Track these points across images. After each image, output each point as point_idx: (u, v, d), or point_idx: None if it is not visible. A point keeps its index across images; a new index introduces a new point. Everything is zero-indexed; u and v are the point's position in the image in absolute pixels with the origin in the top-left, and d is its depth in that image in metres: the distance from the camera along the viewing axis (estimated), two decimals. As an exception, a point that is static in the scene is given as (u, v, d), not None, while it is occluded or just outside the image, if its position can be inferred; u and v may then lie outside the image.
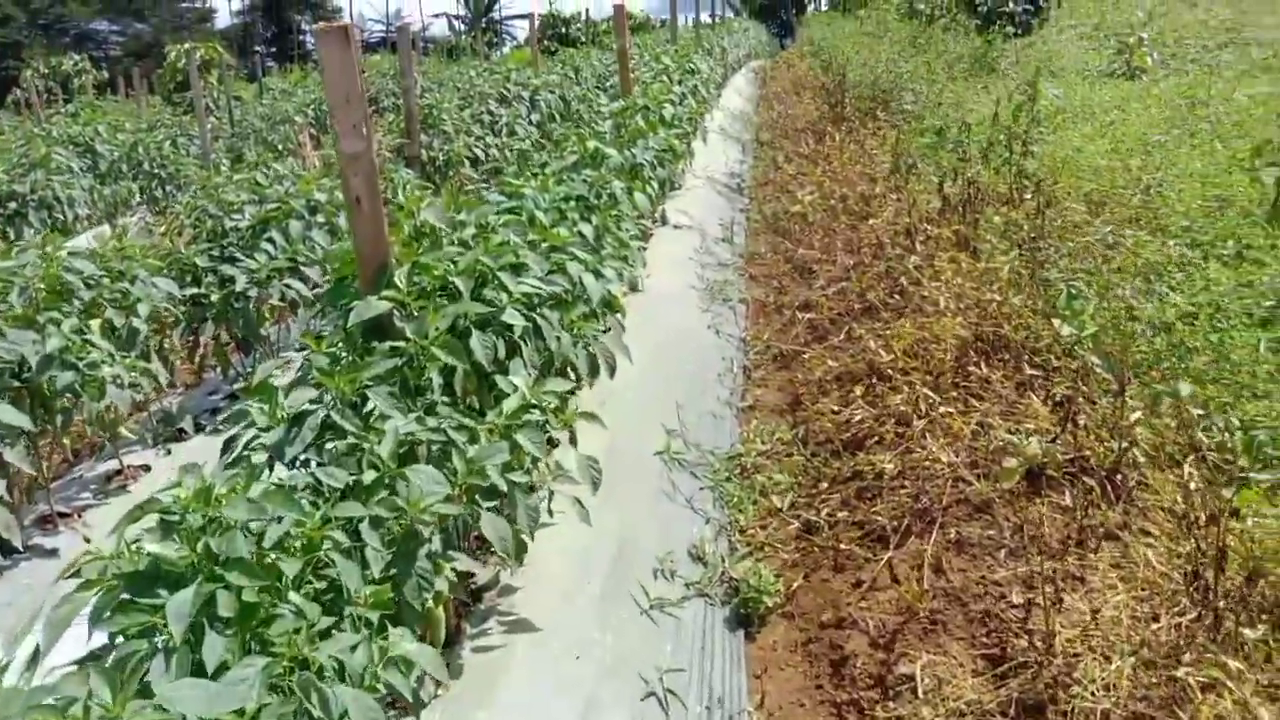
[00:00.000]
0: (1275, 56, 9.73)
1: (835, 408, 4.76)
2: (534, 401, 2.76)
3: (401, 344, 2.54)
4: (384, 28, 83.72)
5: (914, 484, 3.72)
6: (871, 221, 6.99)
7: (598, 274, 3.77)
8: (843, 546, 3.55)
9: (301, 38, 71.76)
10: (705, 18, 23.45)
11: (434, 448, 2.39)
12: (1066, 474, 3.50)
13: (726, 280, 7.20)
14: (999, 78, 10.69)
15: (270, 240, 5.10)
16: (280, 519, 1.86)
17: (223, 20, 72.65)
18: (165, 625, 1.61)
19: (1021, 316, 4.50)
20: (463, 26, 69.46)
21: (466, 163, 8.25)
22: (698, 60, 11.22)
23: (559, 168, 4.88)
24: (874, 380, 4.75)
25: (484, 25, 66.88)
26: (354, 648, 1.77)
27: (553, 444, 3.47)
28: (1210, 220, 4.74)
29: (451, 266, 2.75)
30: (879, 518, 3.59)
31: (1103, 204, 5.75)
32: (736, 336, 6.29)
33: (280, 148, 13.01)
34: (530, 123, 10.79)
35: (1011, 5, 11.93)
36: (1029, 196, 5.89)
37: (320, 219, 5.65)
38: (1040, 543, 3.16)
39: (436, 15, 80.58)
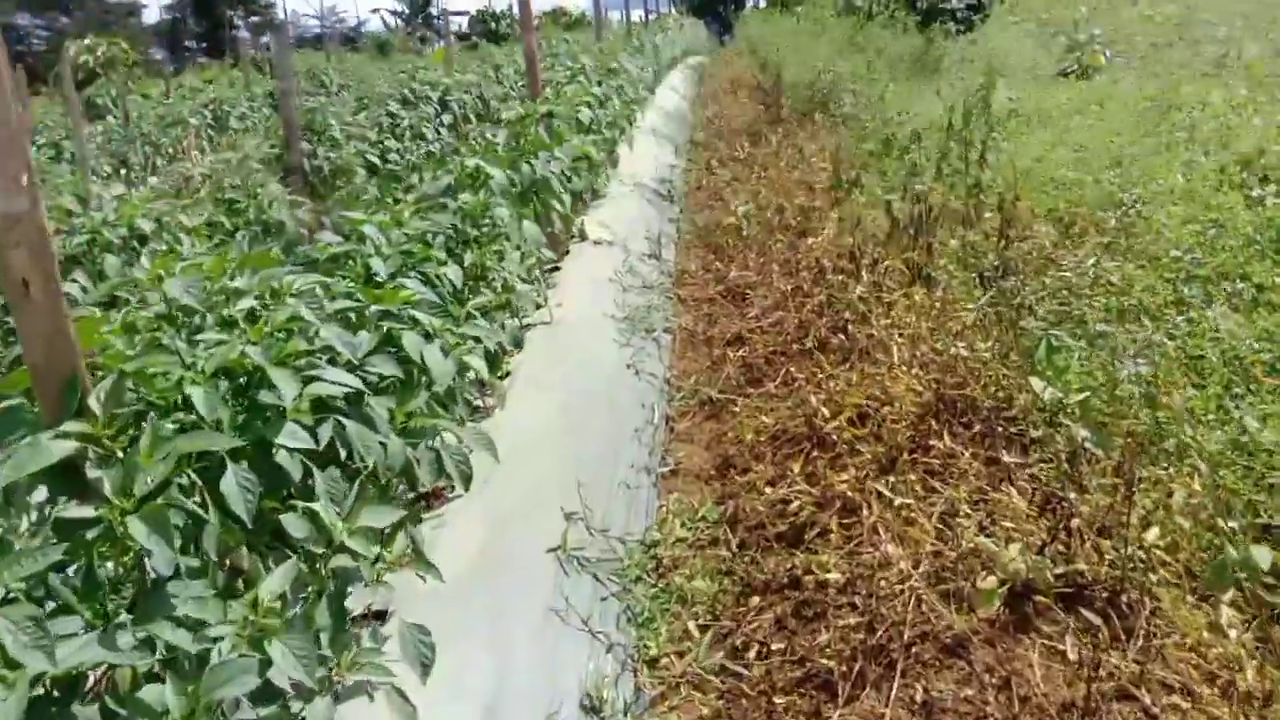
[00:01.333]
0: (1230, 55, 9.20)
1: (770, 479, 3.95)
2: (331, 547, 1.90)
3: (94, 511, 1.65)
4: (319, 23, 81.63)
5: (865, 602, 2.92)
6: (811, 240, 6.22)
7: (462, 339, 2.90)
8: (778, 699, 2.73)
9: (234, 33, 69.38)
10: (639, 15, 22.65)
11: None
12: (1060, 596, 2.73)
13: (651, 305, 6.37)
14: (943, 78, 10.03)
15: (74, 283, 4.13)
16: None
17: (153, 15, 70.17)
18: None
19: (991, 372, 3.73)
20: (399, 22, 67.83)
21: (360, 171, 7.29)
22: (625, 59, 10.37)
23: (427, 193, 3.99)
24: (815, 447, 3.94)
25: (421, 20, 65.39)
26: None
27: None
28: (1206, 248, 4.05)
29: (188, 374, 1.86)
30: (823, 658, 2.78)
31: (1072, 224, 5.04)
32: (660, 377, 5.46)
33: (172, 152, 11.87)
34: (442, 125, 9.84)
35: (953, 2, 11.31)
36: (988, 215, 5.15)
37: (153, 249, 4.68)
38: (1036, 711, 2.37)
39: (373, 10, 78.32)
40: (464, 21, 27.80)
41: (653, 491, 4.26)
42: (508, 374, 4.66)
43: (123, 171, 11.50)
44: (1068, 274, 3.99)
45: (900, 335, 4.44)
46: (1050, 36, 11.35)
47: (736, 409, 4.82)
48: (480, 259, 3.66)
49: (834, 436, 3.87)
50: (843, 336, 4.78)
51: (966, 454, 3.45)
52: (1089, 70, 8.74)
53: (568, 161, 5.84)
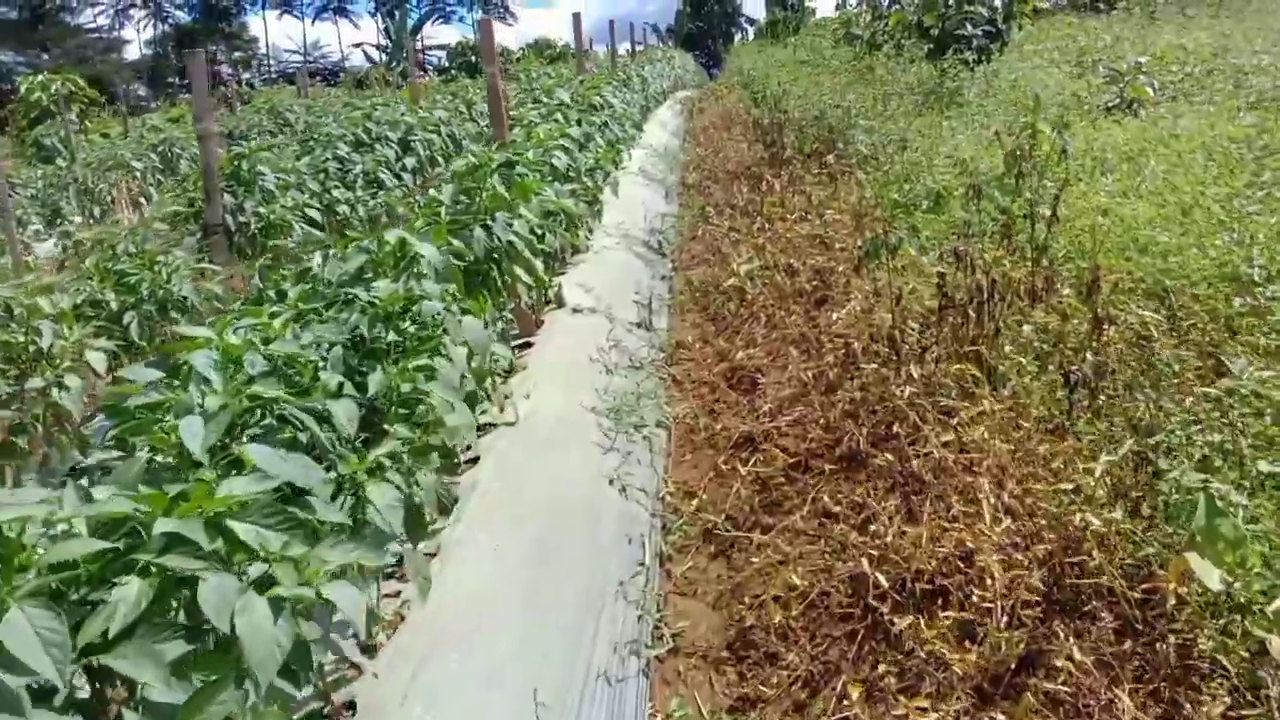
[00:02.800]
0: (1282, 87, 8.22)
1: (806, 681, 2.82)
2: None
3: None
4: (301, 58, 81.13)
5: None
6: (834, 315, 5.12)
7: (312, 581, 1.78)
8: None
9: (217, 68, 68.73)
10: (625, 47, 21.76)
11: None
12: None
13: (640, 392, 5.25)
14: (965, 112, 9.02)
15: None
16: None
17: (136, 51, 69.77)
18: None
19: (1119, 541, 2.62)
20: (383, 57, 67.53)
21: (298, 228, 6.19)
22: (609, 93, 9.34)
23: (333, 279, 2.88)
24: (870, 636, 2.82)
25: (404, 55, 64.86)
26: None
27: None
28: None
29: None
30: None
31: (1175, 305, 3.96)
32: (652, 492, 4.33)
33: (109, 200, 10.76)
34: (404, 169, 8.77)
35: (969, 29, 10.34)
36: (1064, 291, 4.07)
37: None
38: None
39: (356, 45, 77.72)
40: (442, 55, 26.86)
41: (642, 684, 3.11)
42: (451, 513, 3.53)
43: (58, 222, 10.38)
44: (1209, 388, 2.88)
45: (969, 460, 3.32)
46: (1079, 66, 10.38)
47: (751, 544, 3.70)
48: (395, 381, 2.54)
49: (897, 624, 2.74)
50: (889, 455, 3.66)
51: (1105, 679, 2.32)
52: (1134, 104, 7.74)
53: (537, 219, 4.76)
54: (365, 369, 2.59)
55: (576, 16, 9.73)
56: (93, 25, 68.24)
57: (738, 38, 57.39)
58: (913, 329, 4.41)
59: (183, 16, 72.87)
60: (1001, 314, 4.01)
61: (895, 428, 3.80)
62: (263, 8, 77.90)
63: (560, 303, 6.18)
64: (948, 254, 4.28)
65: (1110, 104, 8.02)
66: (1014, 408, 3.55)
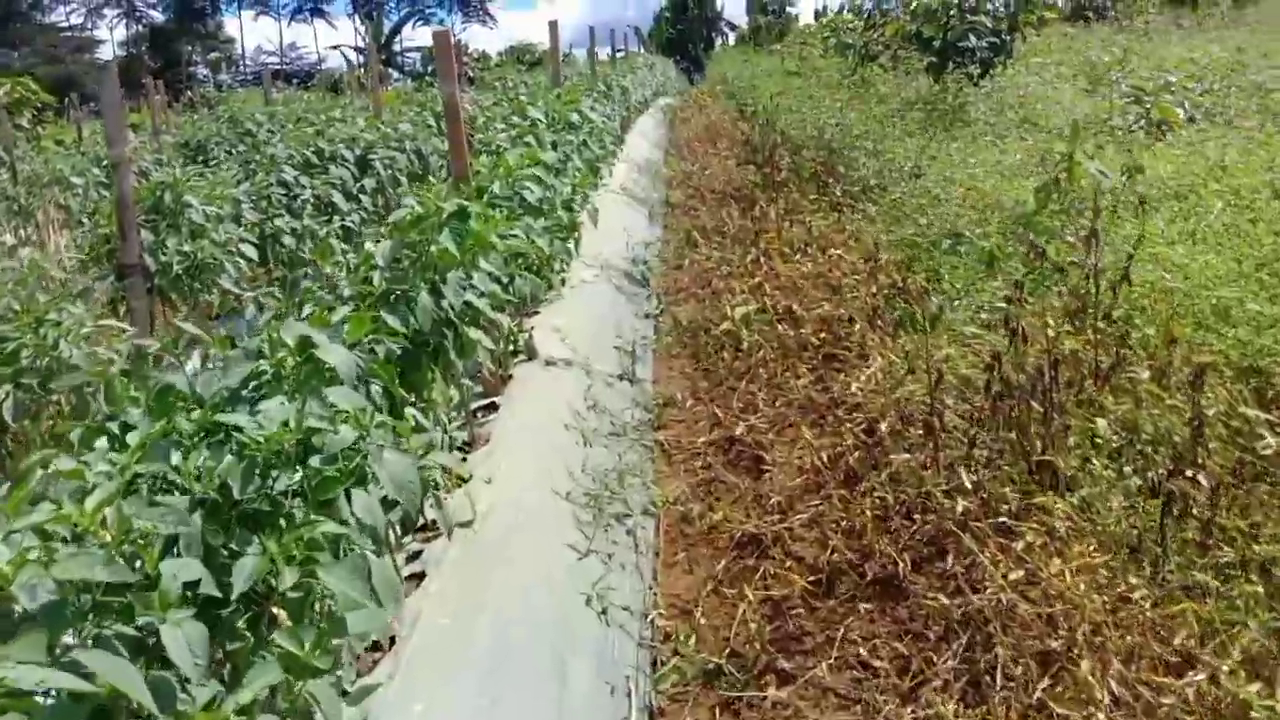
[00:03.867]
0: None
1: None
2: None
3: None
4: (278, 60, 79.78)
5: None
6: (849, 379, 4.37)
7: None
8: None
9: (193, 69, 67.37)
10: (605, 52, 20.97)
11: None
12: None
13: (624, 467, 4.48)
14: (972, 131, 8.33)
15: None
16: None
17: (110, 51, 68.66)
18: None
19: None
20: (360, 59, 66.52)
21: (230, 268, 5.38)
22: (588, 107, 8.57)
23: (207, 401, 2.09)
24: None
25: (383, 58, 63.80)
26: None
27: None
28: None
29: None
30: None
31: (1267, 388, 3.24)
32: (638, 611, 3.56)
33: (40, 221, 9.84)
34: (363, 191, 7.96)
35: (973, 40, 9.67)
36: (1140, 374, 3.34)
37: None
38: None
39: (333, 46, 76.40)
40: (418, 59, 25.83)
41: None
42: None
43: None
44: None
45: (1048, 611, 2.58)
46: (1090, 81, 9.73)
47: (765, 702, 2.94)
48: (279, 560, 1.76)
49: None
50: (938, 589, 2.92)
51: None
52: (1162, 127, 7.07)
53: (502, 268, 3.99)
54: (236, 546, 1.81)
55: (553, 25, 8.96)
56: (65, 24, 66.94)
57: (718, 43, 56.85)
58: (949, 406, 3.67)
59: (157, 16, 71.71)
60: (1066, 401, 3.28)
61: (941, 545, 3.06)
62: (239, 8, 76.75)
63: (531, 354, 5.40)
64: (995, 322, 3.55)
65: (1134, 126, 7.34)
66: (1096, 537, 2.82)
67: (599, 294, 6.93)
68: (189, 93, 24.48)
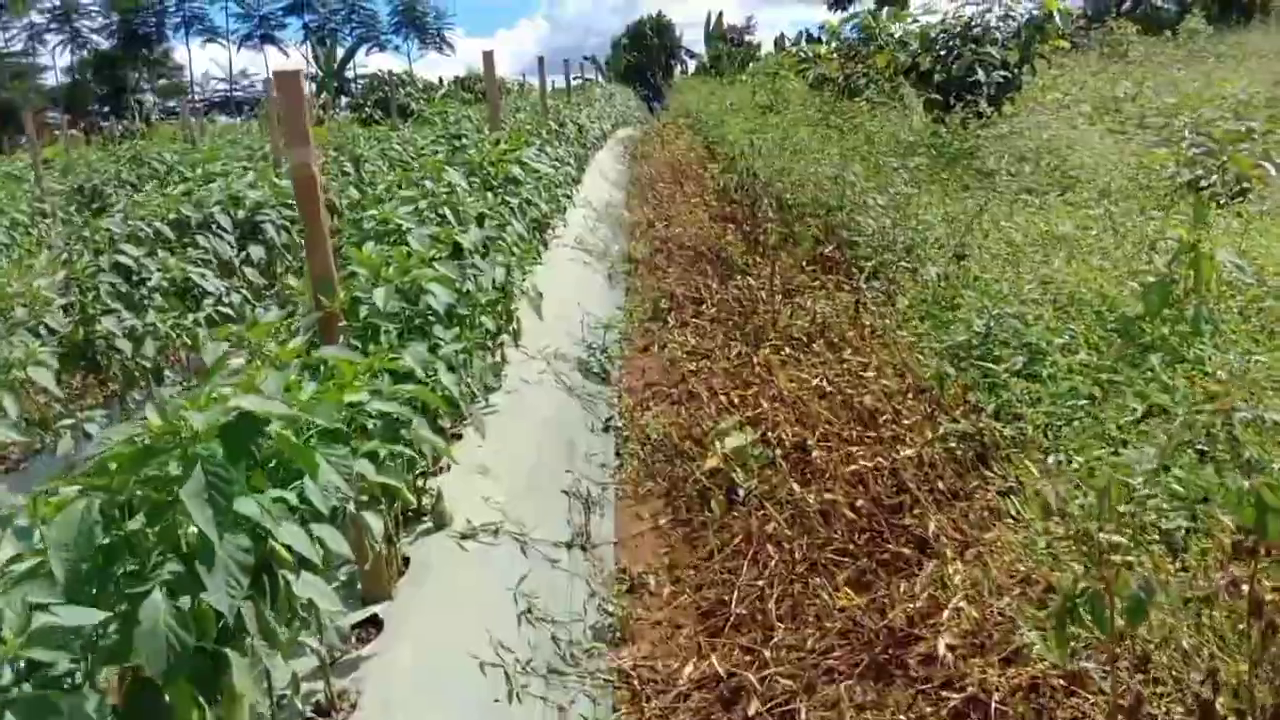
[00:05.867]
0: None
1: None
2: None
3: None
4: (227, 87, 77.48)
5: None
6: (940, 640, 2.82)
7: None
8: None
9: (141, 97, 64.95)
10: (555, 80, 19.47)
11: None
12: None
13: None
14: (990, 182, 6.92)
15: None
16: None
17: (55, 78, 66.63)
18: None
19: None
20: (313, 86, 64.60)
21: (6, 407, 3.74)
22: (533, 154, 7.03)
23: None
24: None
25: (336, 85, 62.02)
26: None
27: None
28: None
29: None
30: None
31: None
32: None
33: None
34: (248, 263, 6.35)
35: (980, 75, 8.31)
36: None
37: None
38: None
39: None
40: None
41: None
42: None
43: None
44: None
45: None
46: (1116, 119, 8.42)
47: None
48: None
49: None
50: None
51: None
52: (1242, 186, 5.71)
53: (351, 469, 2.43)
54: None
55: (487, 56, 7.42)
56: (5, 50, 64.49)
57: (678, 70, 55.87)
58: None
59: (102, 42, 69.51)
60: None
61: None
62: (186, 35, 74.75)
63: (440, 521, 3.80)
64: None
65: (1202, 184, 5.96)
66: None
67: (543, 401, 5.36)
68: (126, 122, 22.52)
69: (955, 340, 4.08)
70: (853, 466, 3.58)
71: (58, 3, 65.77)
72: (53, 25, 68.45)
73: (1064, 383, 3.64)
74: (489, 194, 5.70)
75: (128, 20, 70.88)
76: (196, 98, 70.30)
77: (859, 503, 3.44)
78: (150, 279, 5.08)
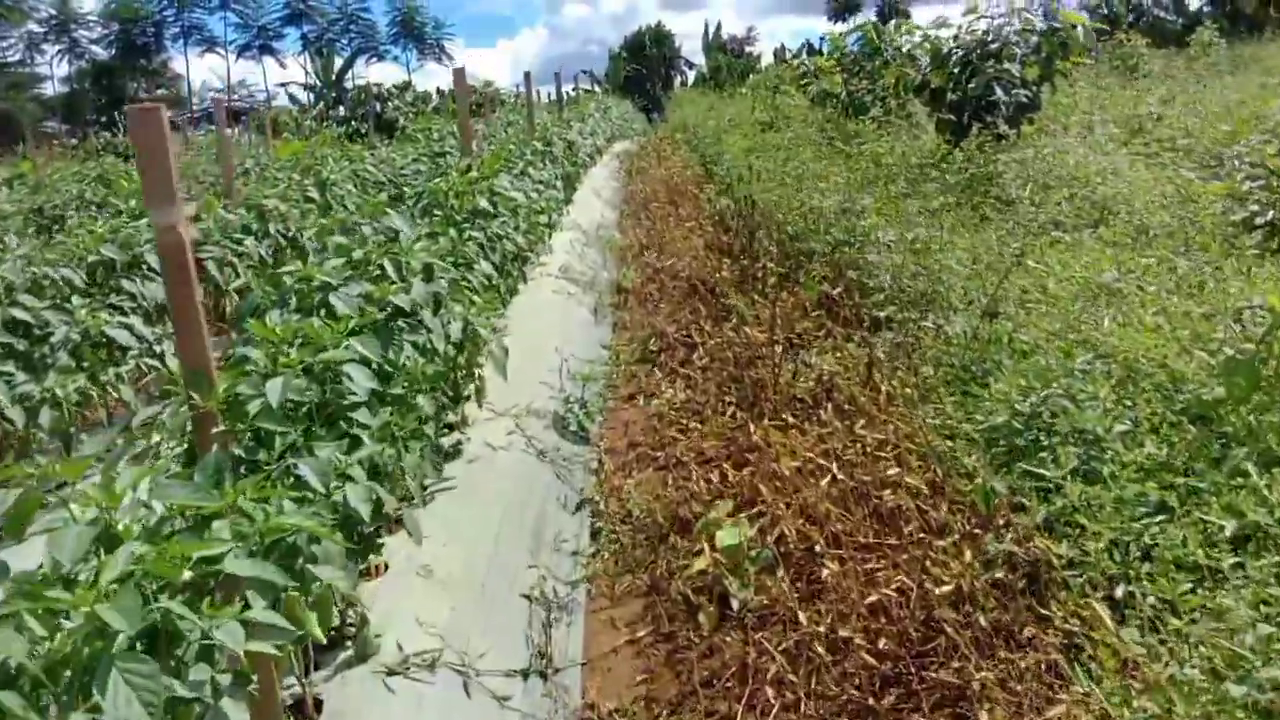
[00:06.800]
0: None
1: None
2: None
3: None
4: (225, 97, 76.95)
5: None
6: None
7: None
8: None
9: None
10: (546, 92, 18.83)
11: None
12: None
13: None
14: (1013, 215, 6.24)
15: None
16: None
17: (52, 88, 66.45)
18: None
19: None
20: (310, 97, 64.06)
21: None
22: (508, 185, 6.35)
23: None
24: None
25: (333, 96, 61.37)
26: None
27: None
28: None
29: None
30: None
31: None
32: None
33: None
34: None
35: (1000, 94, 7.65)
36: None
37: None
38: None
39: (282, 84, 73.42)
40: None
41: None
42: None
43: None
44: None
45: None
46: (1146, 142, 7.74)
47: None
48: None
49: None
50: None
51: None
52: (1305, 224, 5.04)
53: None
54: None
55: (458, 73, 6.74)
56: (2, 60, 64.07)
57: (677, 82, 55.34)
58: None
59: (100, 52, 69.07)
60: None
61: None
62: (184, 44, 74.31)
63: (363, 650, 3.10)
64: None
65: (1256, 220, 5.29)
66: None
67: (509, 472, 4.66)
68: (123, 137, 21.87)
69: (993, 423, 3.40)
70: (872, 597, 2.88)
71: (56, 12, 65.37)
72: (50, 35, 68.04)
73: (1129, 486, 2.96)
74: (453, 230, 5.03)
75: (126, 30, 70.48)
76: (194, 108, 69.72)
77: (881, 643, 2.75)
78: (55, 334, 4.39)
